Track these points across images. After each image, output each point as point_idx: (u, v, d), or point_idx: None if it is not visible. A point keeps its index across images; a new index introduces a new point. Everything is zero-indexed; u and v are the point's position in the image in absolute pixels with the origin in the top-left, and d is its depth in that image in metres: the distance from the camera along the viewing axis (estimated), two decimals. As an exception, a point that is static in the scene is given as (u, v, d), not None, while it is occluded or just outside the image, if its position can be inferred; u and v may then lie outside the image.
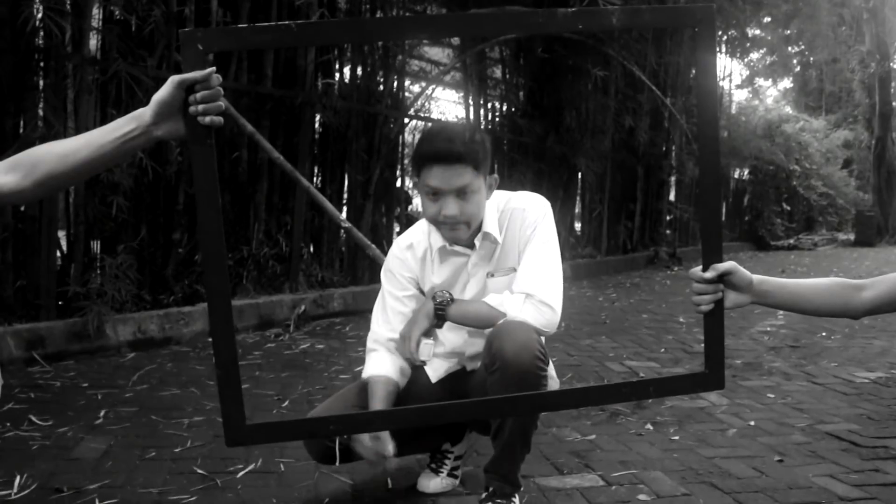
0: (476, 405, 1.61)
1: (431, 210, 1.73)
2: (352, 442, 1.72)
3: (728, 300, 1.44)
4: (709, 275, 1.42)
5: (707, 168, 1.44)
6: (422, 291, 1.88)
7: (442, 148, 1.68)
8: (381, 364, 1.83)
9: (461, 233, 1.77)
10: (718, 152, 1.45)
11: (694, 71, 8.55)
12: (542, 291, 1.74)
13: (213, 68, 1.29)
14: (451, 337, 1.89)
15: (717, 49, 10.91)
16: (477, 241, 1.82)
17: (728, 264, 1.42)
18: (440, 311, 1.76)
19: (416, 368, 1.91)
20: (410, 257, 1.88)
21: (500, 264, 1.83)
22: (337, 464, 1.79)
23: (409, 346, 1.73)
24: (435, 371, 1.90)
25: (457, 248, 1.83)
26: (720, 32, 10.07)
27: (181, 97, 1.29)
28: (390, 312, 1.87)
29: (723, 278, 1.42)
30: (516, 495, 1.82)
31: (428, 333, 1.76)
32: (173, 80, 1.29)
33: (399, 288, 1.88)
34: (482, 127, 6.73)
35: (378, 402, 1.74)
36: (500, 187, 1.87)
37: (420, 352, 1.72)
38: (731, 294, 1.44)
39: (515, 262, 1.82)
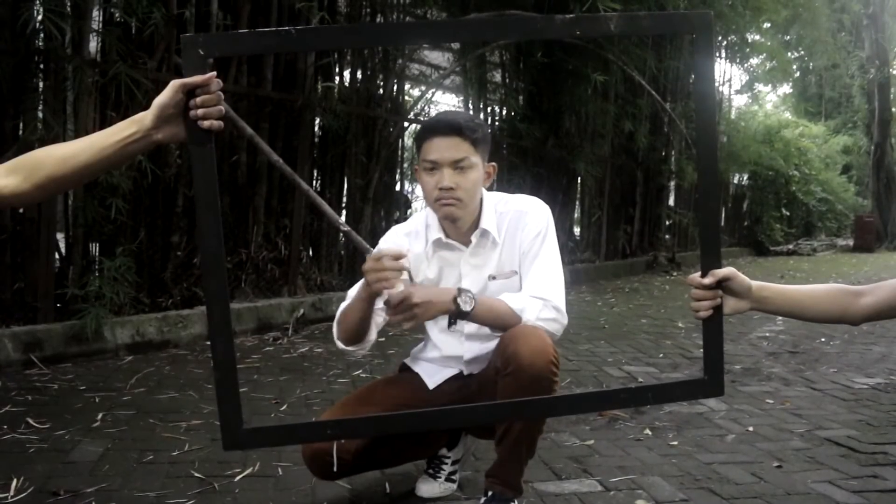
0: (480, 410, 1.60)
1: (429, 185, 1.75)
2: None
3: (727, 306, 1.44)
4: (707, 281, 1.42)
5: (705, 173, 1.44)
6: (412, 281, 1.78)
7: (442, 119, 1.78)
8: None
9: (457, 210, 1.75)
10: (717, 157, 1.45)
11: (693, 77, 8.54)
12: (556, 298, 1.76)
13: (214, 73, 1.30)
14: (448, 341, 1.88)
15: (717, 54, 10.95)
16: (473, 238, 1.81)
17: (727, 270, 1.42)
18: (467, 302, 1.64)
19: (414, 375, 1.91)
20: (408, 243, 1.85)
21: (501, 267, 1.83)
22: (335, 469, 1.79)
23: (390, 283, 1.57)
24: (431, 378, 1.90)
25: (452, 242, 1.83)
26: (720, 38, 10.09)
27: (182, 101, 1.30)
28: None
29: (721, 284, 1.42)
30: (515, 501, 1.81)
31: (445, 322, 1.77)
32: (174, 84, 1.29)
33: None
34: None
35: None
36: (499, 190, 1.87)
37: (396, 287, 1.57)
38: (729, 300, 1.43)
39: (515, 264, 1.82)
